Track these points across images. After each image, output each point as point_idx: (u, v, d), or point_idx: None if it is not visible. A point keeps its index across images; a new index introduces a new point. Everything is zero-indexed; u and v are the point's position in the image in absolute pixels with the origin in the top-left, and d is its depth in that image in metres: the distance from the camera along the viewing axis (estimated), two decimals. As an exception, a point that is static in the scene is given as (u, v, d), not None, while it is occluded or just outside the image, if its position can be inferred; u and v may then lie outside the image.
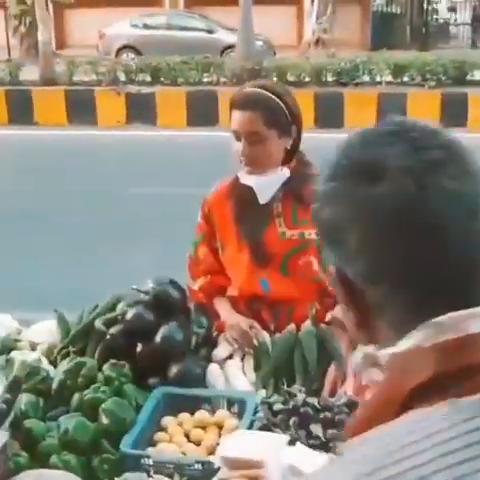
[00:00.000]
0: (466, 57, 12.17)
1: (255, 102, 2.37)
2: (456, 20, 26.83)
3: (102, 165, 9.42)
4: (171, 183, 8.07)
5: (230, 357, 2.31)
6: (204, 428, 2.02)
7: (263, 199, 2.42)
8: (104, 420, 1.94)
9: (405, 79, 11.37)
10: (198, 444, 1.97)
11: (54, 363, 2.26)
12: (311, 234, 2.38)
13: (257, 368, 2.27)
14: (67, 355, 2.27)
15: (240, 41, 13.33)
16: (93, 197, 7.78)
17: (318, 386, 2.15)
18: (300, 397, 2.03)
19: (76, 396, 2.06)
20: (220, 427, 2.02)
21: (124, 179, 8.56)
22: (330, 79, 11.94)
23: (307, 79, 12.17)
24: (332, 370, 2.19)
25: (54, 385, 2.12)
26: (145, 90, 11.93)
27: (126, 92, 11.87)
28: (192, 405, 2.09)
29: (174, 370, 2.16)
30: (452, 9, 27.13)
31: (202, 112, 11.63)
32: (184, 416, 2.06)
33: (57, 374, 2.16)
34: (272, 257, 2.43)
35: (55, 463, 1.83)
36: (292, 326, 2.30)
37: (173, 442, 1.97)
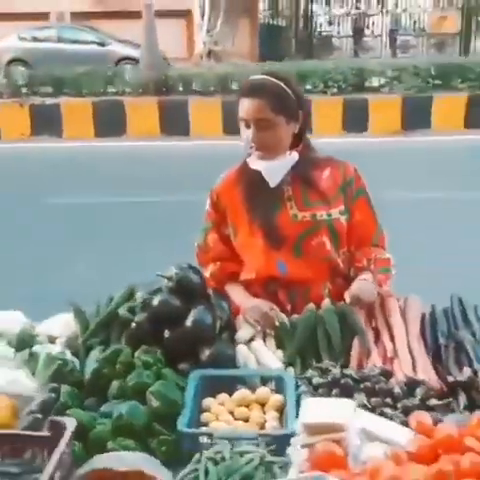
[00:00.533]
0: (364, 64, 12.66)
1: (262, 89, 2.43)
2: (339, 33, 27.78)
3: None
4: (83, 192, 8.02)
5: (252, 339, 2.35)
6: (247, 406, 2.05)
7: (273, 183, 2.48)
8: (154, 403, 1.94)
9: (308, 87, 11.68)
10: (245, 421, 2.00)
11: (76, 355, 2.23)
12: (323, 215, 2.47)
13: (280, 348, 2.32)
14: (90, 347, 2.25)
15: (144, 51, 13.32)
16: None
17: (343, 361, 2.22)
18: (337, 370, 2.10)
19: (115, 384, 2.05)
20: (262, 404, 2.06)
21: (36, 189, 8.42)
22: (236, 88, 12.09)
23: (212, 88, 12.29)
24: (356, 344, 2.27)
25: (87, 375, 2.09)
26: (49, 101, 11.70)
27: (30, 104, 11.59)
28: (228, 386, 2.11)
29: (207, 353, 2.18)
30: (331, 23, 28.08)
31: (109, 122, 11.54)
32: (223, 397, 2.08)
33: (89, 364, 2.14)
34: (285, 239, 2.49)
35: (114, 449, 1.82)
36: (311, 305, 2.36)
37: (220, 421, 1.99)
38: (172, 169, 9.52)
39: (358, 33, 27.06)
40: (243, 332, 2.35)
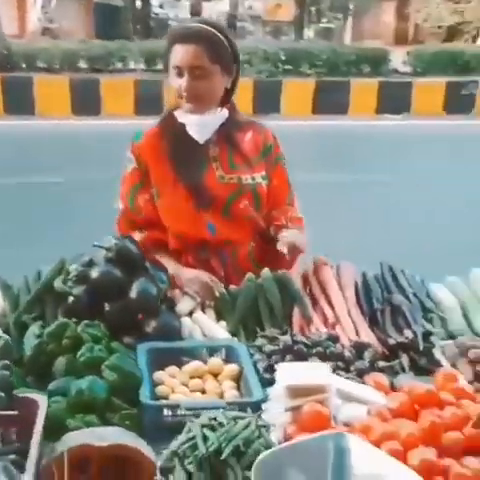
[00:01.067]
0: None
1: (199, 35, 2.33)
2: (177, 16, 27.74)
3: None
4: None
5: (191, 312, 2.29)
6: (199, 378, 2.00)
7: (202, 139, 2.42)
8: (110, 377, 1.84)
9: (159, 67, 11.56)
10: (202, 393, 1.95)
11: (7, 332, 2.07)
12: (248, 179, 2.46)
13: (220, 319, 2.28)
14: (23, 323, 2.10)
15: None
16: None
17: (285, 329, 2.23)
18: (287, 337, 2.10)
19: (61, 360, 1.92)
20: (214, 375, 2.01)
21: None
22: (84, 66, 11.78)
23: (58, 66, 11.87)
24: (297, 312, 2.28)
25: (28, 352, 1.95)
26: None
27: None
28: (175, 358, 2.04)
29: (153, 325, 2.10)
30: (161, 6, 28.03)
31: None
32: (173, 369, 2.01)
33: (27, 341, 1.99)
34: (214, 200, 2.43)
35: (77, 426, 1.70)
36: (251, 275, 2.34)
37: (177, 394, 1.93)
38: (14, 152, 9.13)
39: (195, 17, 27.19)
40: (183, 304, 2.28)
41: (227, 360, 2.04)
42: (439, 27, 25.09)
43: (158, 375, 1.98)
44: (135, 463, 1.53)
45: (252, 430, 1.48)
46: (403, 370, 2.06)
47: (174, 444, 1.49)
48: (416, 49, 14.23)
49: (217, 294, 2.31)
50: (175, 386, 1.95)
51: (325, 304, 2.31)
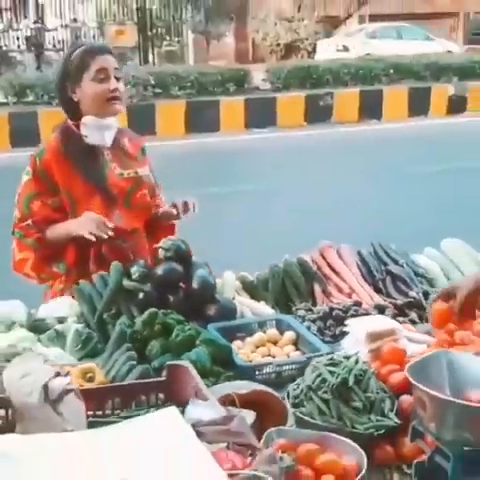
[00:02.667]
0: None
1: (110, 49, 2.90)
2: (19, 47, 27.37)
3: None
4: None
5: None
6: (263, 346, 2.40)
7: (109, 142, 2.84)
8: (206, 350, 2.20)
9: (31, 98, 11.63)
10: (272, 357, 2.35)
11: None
12: (144, 171, 2.96)
13: (255, 299, 2.69)
14: (103, 320, 2.41)
15: None
16: None
17: (311, 303, 2.68)
18: (322, 307, 2.56)
19: (155, 343, 2.25)
20: (274, 343, 2.42)
21: None
22: None
23: None
24: (317, 288, 2.74)
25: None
26: None
27: None
28: (233, 334, 2.43)
29: (214, 308, 2.48)
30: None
31: None
32: (238, 343, 2.40)
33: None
34: (118, 194, 2.85)
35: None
36: (275, 263, 2.77)
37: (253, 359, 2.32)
38: None
39: (38, 48, 26.87)
40: (227, 293, 2.66)
41: (278, 330, 2.46)
42: (277, 45, 26.50)
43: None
44: (269, 404, 1.90)
45: (362, 363, 1.91)
46: (414, 323, 2.56)
47: (305, 381, 1.89)
48: (274, 67, 15.13)
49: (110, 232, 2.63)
50: (247, 354, 2.35)
51: (338, 280, 2.78)
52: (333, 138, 12.61)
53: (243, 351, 2.35)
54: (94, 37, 26.91)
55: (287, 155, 11.15)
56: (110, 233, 2.62)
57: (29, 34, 26.87)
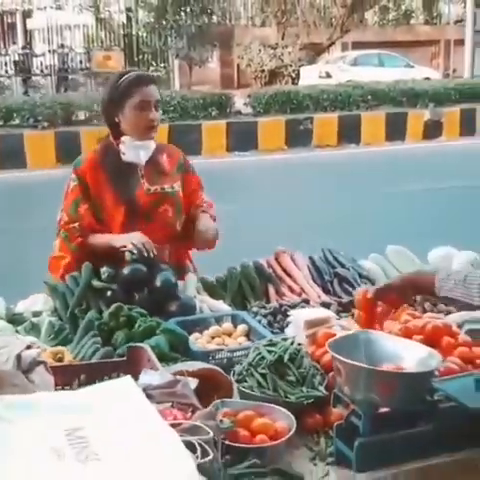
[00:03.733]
0: (70, 99, 13.27)
1: (153, 78, 3.21)
2: (7, 72, 27.72)
3: None
4: None
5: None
6: (219, 337, 2.69)
7: (143, 160, 3.12)
8: (165, 337, 2.48)
9: (17, 122, 11.94)
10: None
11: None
12: (169, 188, 3.19)
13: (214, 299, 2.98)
14: (74, 316, 2.69)
15: None
16: None
17: (265, 301, 2.97)
18: (274, 304, 2.85)
19: (120, 333, 2.53)
20: (228, 335, 2.70)
21: None
22: None
23: None
24: (271, 289, 3.03)
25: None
26: None
27: None
28: (192, 328, 2.71)
29: (175, 305, 2.76)
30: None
31: None
32: (196, 335, 2.68)
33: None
34: (141, 208, 3.11)
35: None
36: (232, 266, 3.07)
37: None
38: None
39: (25, 73, 27.24)
40: (189, 292, 2.95)
41: (233, 324, 2.75)
42: (261, 71, 27.01)
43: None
44: (216, 380, 2.18)
45: (297, 344, 2.20)
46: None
47: (246, 361, 2.18)
48: (255, 92, 15.55)
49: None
50: (203, 344, 2.63)
51: (290, 281, 3.07)
52: (312, 161, 12.99)
53: (200, 341, 2.64)
54: (81, 62, 27.33)
55: (266, 177, 11.51)
56: (152, 253, 2.84)
57: (17, 59, 27.29)
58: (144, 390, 1.83)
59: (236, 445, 1.87)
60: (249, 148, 13.36)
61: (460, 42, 26.27)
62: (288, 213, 8.90)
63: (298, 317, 2.45)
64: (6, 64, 27.44)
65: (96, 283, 2.75)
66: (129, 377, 1.91)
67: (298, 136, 13.86)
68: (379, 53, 25.71)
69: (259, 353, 2.18)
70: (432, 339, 2.29)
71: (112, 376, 2.14)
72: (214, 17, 23.36)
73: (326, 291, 3.06)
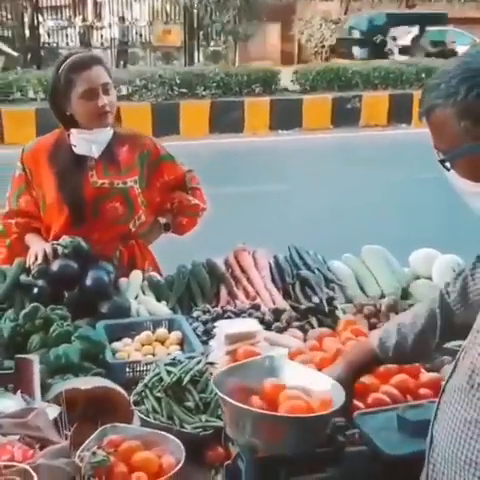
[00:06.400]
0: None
1: (97, 58, 2.81)
2: (68, 44, 27.86)
3: None
4: None
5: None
6: (150, 345, 2.44)
7: (96, 153, 2.84)
8: (80, 345, 2.24)
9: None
10: (153, 356, 2.38)
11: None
12: (119, 184, 2.88)
13: (158, 300, 2.72)
14: (-5, 313, 2.47)
15: None
16: None
17: (215, 304, 2.70)
18: (218, 309, 2.57)
19: (35, 337, 2.30)
20: (161, 342, 2.45)
21: None
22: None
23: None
24: (223, 290, 2.76)
25: (6, 333, 2.32)
26: None
27: None
28: (125, 332, 2.46)
29: (106, 306, 2.52)
30: (48, 34, 27.96)
31: None
32: (126, 341, 2.44)
33: (3, 325, 2.35)
34: (86, 203, 2.84)
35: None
36: (182, 264, 2.80)
37: (132, 358, 2.35)
38: None
39: (86, 45, 27.33)
40: (130, 292, 2.70)
41: (170, 330, 2.49)
42: (322, 47, 26.41)
43: (115, 345, 2.39)
44: (113, 401, 1.94)
45: (203, 365, 1.93)
46: (312, 328, 2.56)
47: (145, 380, 1.93)
48: (302, 68, 15.09)
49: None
50: (130, 352, 2.38)
51: (246, 282, 2.79)
52: (359, 142, 12.53)
53: (127, 348, 2.39)
54: (141, 36, 27.26)
55: (309, 158, 11.14)
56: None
57: (79, 31, 27.43)
58: (-6, 418, 1.60)
59: (105, 484, 1.62)
60: (293, 127, 12.97)
61: None
62: (322, 198, 8.54)
63: (221, 329, 2.17)
64: (67, 36, 27.62)
65: (23, 278, 2.53)
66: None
67: (345, 115, 13.39)
68: (446, 29, 24.71)
69: (158, 373, 1.92)
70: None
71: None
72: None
73: (287, 295, 2.77)
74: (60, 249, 2.58)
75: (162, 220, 2.99)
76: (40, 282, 2.52)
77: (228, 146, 11.83)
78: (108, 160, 2.88)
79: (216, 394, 1.88)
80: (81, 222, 2.81)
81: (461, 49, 21.08)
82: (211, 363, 2.00)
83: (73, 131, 2.83)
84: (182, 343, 2.42)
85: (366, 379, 1.95)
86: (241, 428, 1.56)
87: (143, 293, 2.75)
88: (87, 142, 2.83)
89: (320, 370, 1.89)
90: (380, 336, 1.78)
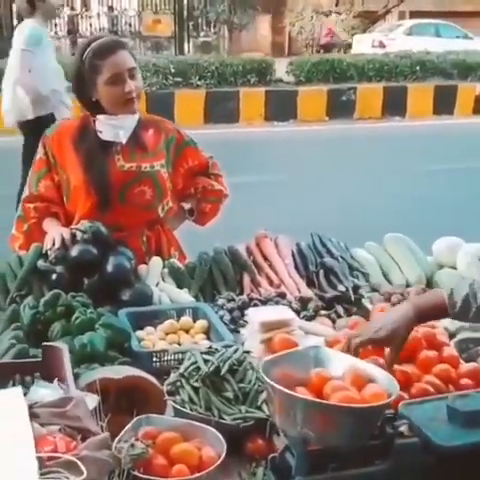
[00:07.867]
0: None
1: (120, 43, 2.74)
2: (56, 33, 27.62)
3: None
4: None
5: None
6: (174, 333, 2.35)
7: (124, 139, 2.76)
8: (104, 333, 2.16)
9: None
10: (178, 345, 2.30)
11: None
12: (147, 167, 2.80)
13: (180, 288, 2.64)
14: (14, 301, 2.38)
15: None
16: None
17: (238, 292, 2.62)
18: (244, 297, 2.50)
19: (57, 325, 2.21)
20: (186, 331, 2.37)
21: None
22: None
23: None
24: (246, 278, 2.68)
25: (26, 321, 2.23)
26: None
27: None
28: (148, 320, 2.38)
29: (128, 294, 2.43)
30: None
31: None
32: (149, 329, 2.35)
33: (24, 313, 2.27)
34: (113, 187, 2.75)
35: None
36: (203, 251, 2.71)
37: (157, 347, 2.27)
38: None
39: (74, 34, 27.11)
40: (150, 279, 2.61)
41: (194, 318, 2.41)
42: (313, 39, 26.30)
43: (138, 334, 2.31)
44: (145, 391, 1.86)
45: (240, 353, 1.85)
46: (339, 317, 2.49)
47: (182, 368, 1.85)
48: (297, 60, 14.99)
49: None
50: (155, 341, 2.30)
51: (269, 270, 2.71)
52: (353, 134, 12.46)
53: (152, 337, 2.31)
54: (130, 25, 27.04)
55: (304, 149, 11.06)
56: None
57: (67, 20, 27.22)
58: (30, 407, 1.52)
59: (145, 478, 1.54)
60: (288, 118, 12.88)
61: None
62: (320, 188, 8.48)
63: (254, 317, 2.10)
64: (56, 25, 27.37)
65: (40, 264, 2.44)
66: (19, 389, 1.60)
67: (340, 107, 13.31)
68: (436, 23, 24.64)
69: (194, 362, 1.84)
70: (408, 353, 1.91)
71: (26, 379, 1.84)
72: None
73: (311, 283, 2.70)
74: (79, 234, 2.49)
75: (186, 205, 2.92)
76: (58, 268, 2.43)
77: (222, 136, 11.73)
78: (134, 144, 2.80)
79: (255, 384, 1.82)
80: (107, 207, 2.72)
81: (452, 43, 21.05)
82: (247, 352, 1.92)
83: (100, 117, 2.75)
84: (208, 332, 2.34)
85: (408, 368, 1.88)
86: (292, 418, 1.49)
87: (163, 280, 2.66)
88: (114, 128, 2.75)
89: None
90: (452, 287, 1.80)
